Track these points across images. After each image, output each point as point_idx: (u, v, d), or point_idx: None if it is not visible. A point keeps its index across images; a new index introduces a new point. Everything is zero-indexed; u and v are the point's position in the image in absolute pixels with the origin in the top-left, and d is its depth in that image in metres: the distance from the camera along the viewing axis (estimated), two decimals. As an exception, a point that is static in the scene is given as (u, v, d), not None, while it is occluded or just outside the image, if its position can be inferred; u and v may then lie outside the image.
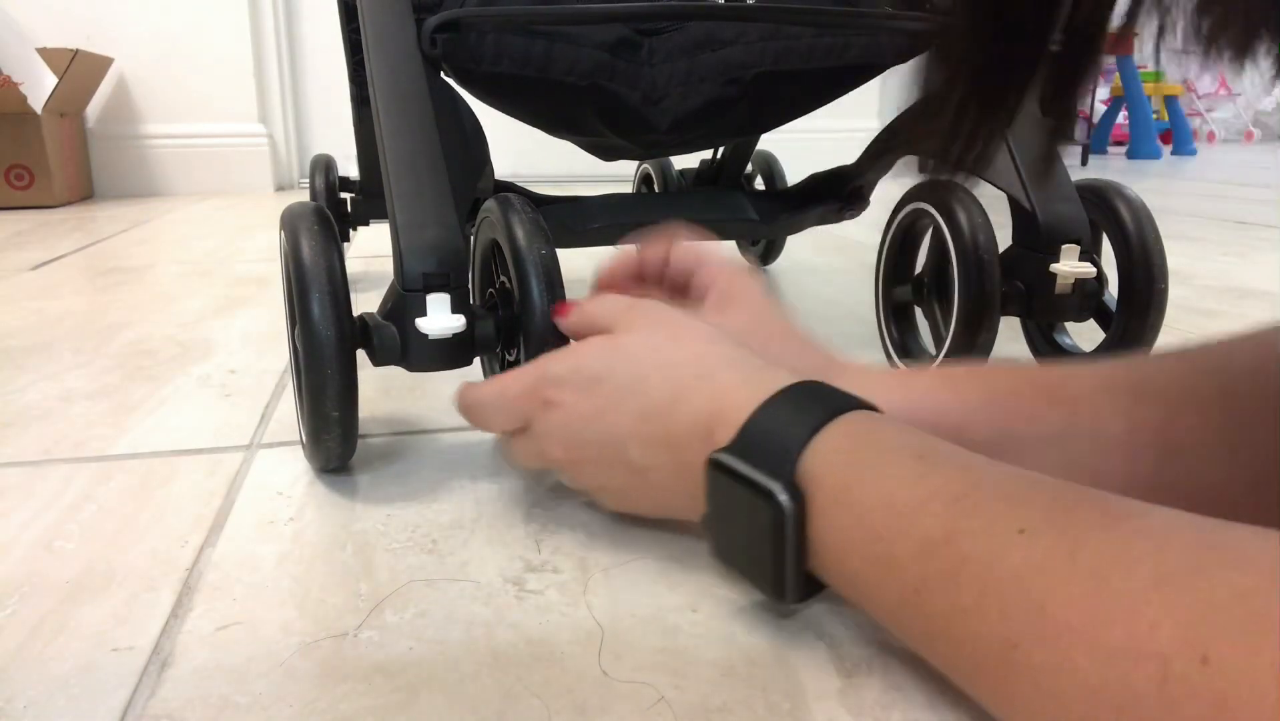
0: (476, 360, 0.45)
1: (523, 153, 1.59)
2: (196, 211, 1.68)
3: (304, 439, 0.44)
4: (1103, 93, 3.91)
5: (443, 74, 0.54)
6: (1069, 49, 0.28)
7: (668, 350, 0.35)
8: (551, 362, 0.37)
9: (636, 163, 1.01)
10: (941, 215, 0.55)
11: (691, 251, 0.45)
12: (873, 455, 0.29)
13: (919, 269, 0.60)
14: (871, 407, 0.31)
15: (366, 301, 0.42)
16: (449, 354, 0.42)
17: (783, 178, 0.99)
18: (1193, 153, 3.54)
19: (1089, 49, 0.28)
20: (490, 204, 0.43)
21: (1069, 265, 0.53)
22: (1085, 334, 0.59)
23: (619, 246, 0.55)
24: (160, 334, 0.75)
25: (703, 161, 0.92)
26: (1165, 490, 0.31)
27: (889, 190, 0.70)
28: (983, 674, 0.24)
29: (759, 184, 1.01)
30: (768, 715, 0.27)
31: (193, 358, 0.68)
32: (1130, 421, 0.33)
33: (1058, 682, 0.22)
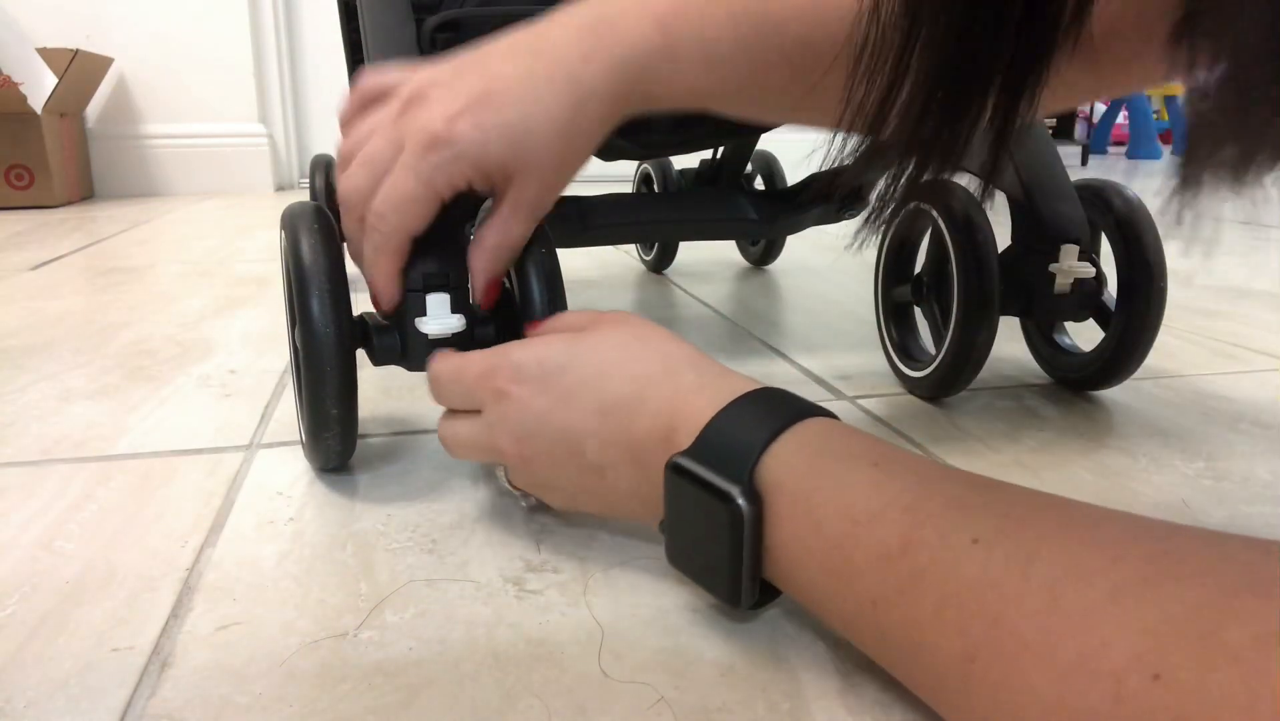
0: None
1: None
2: (196, 211, 1.68)
3: (303, 438, 0.44)
4: (1102, 93, 3.90)
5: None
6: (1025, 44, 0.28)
7: (634, 347, 0.34)
8: (515, 349, 0.36)
9: (636, 163, 1.01)
10: (941, 215, 0.55)
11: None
12: (831, 462, 0.28)
13: (918, 269, 0.60)
14: (830, 415, 0.31)
15: (367, 301, 0.42)
16: None
17: (783, 178, 0.99)
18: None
19: (1045, 44, 0.28)
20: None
21: (1068, 265, 0.53)
22: (1084, 334, 0.59)
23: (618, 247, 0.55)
24: (160, 334, 0.75)
25: (703, 161, 0.92)
26: None
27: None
28: (942, 687, 0.24)
29: (759, 184, 1.01)
30: (768, 715, 0.27)
31: (193, 358, 0.68)
32: None
33: (1015, 698, 0.21)
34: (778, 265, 1.10)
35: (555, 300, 0.41)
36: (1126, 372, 0.56)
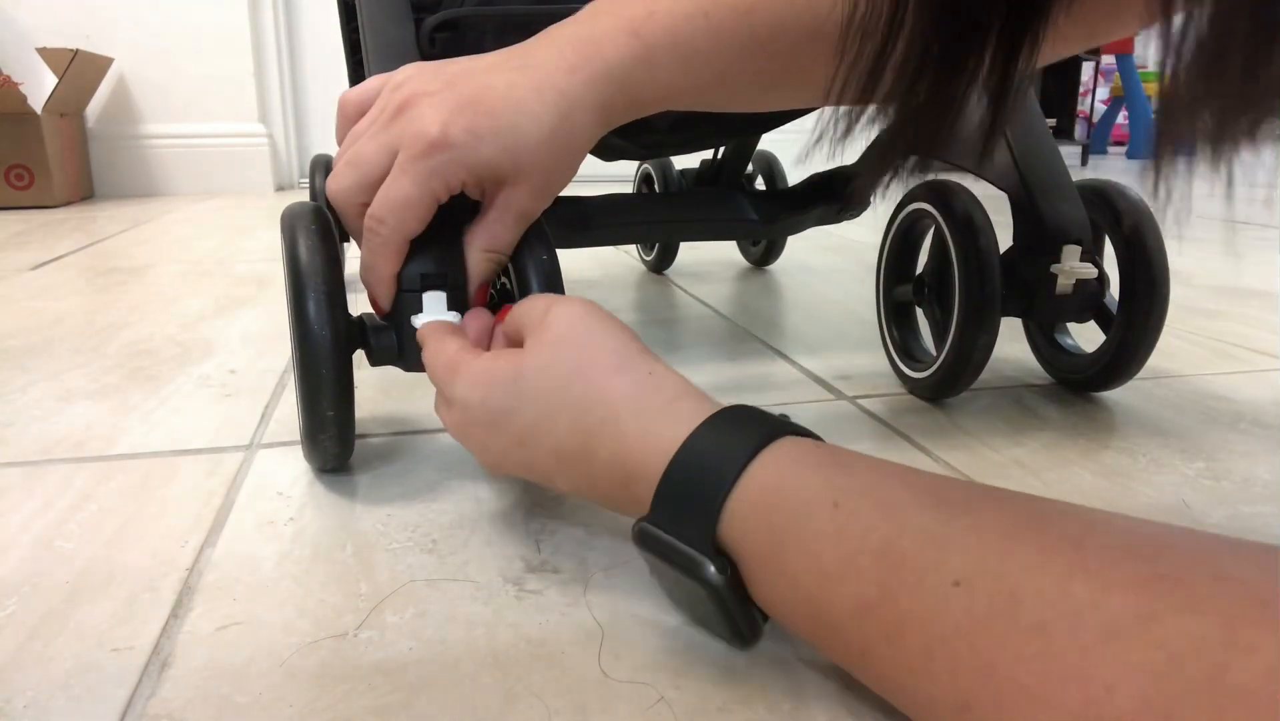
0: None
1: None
2: (196, 211, 1.68)
3: (302, 438, 0.44)
4: (1103, 93, 3.92)
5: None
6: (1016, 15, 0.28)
7: (577, 389, 0.33)
8: (461, 379, 0.36)
9: (636, 163, 1.01)
10: (942, 215, 0.55)
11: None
12: (787, 516, 0.27)
13: (920, 269, 0.60)
14: (778, 429, 0.30)
15: (366, 302, 0.42)
16: None
17: (783, 178, 0.99)
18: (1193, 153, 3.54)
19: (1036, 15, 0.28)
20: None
21: (1070, 266, 0.53)
22: (1086, 334, 0.59)
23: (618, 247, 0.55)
24: (160, 334, 0.75)
25: (703, 161, 0.92)
26: None
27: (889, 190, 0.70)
28: None
29: (759, 184, 1.01)
30: (768, 715, 0.27)
31: (193, 358, 0.68)
32: None
33: None
34: (778, 265, 1.10)
35: None
36: (1128, 374, 0.56)
